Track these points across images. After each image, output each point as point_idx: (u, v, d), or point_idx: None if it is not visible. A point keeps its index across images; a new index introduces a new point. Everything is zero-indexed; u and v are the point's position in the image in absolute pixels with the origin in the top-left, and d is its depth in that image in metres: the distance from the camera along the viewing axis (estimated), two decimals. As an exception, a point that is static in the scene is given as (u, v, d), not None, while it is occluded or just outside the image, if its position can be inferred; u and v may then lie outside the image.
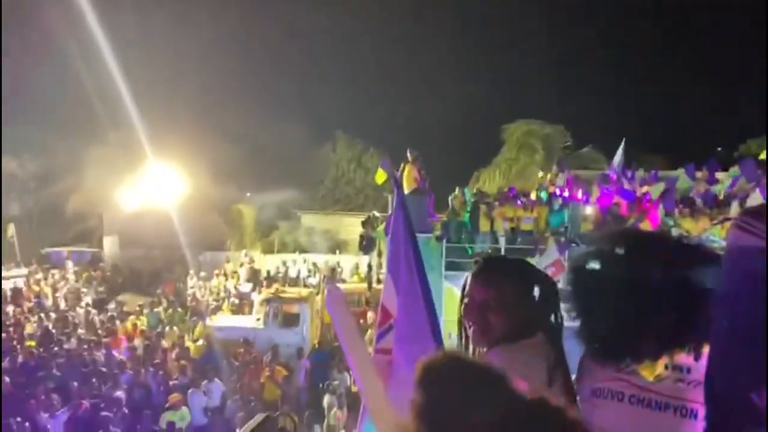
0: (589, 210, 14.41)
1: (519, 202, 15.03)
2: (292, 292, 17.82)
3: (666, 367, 1.64)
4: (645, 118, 33.06)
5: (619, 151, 16.70)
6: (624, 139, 16.39)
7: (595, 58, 34.59)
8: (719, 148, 30.20)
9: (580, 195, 15.27)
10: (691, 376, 1.62)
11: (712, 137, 29.14)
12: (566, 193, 15.44)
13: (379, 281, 18.52)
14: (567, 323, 1.91)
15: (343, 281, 22.86)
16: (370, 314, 15.92)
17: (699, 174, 14.56)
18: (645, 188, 14.49)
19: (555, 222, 14.18)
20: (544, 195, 15.72)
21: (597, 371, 1.73)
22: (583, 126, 28.33)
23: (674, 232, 12.65)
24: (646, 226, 12.64)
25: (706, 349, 1.60)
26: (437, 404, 0.92)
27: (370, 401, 1.95)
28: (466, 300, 2.04)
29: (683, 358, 1.63)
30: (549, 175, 17.93)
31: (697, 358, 1.60)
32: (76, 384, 11.49)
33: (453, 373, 0.96)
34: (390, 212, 14.04)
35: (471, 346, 2.02)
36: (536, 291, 1.95)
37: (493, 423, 0.88)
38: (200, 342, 15.45)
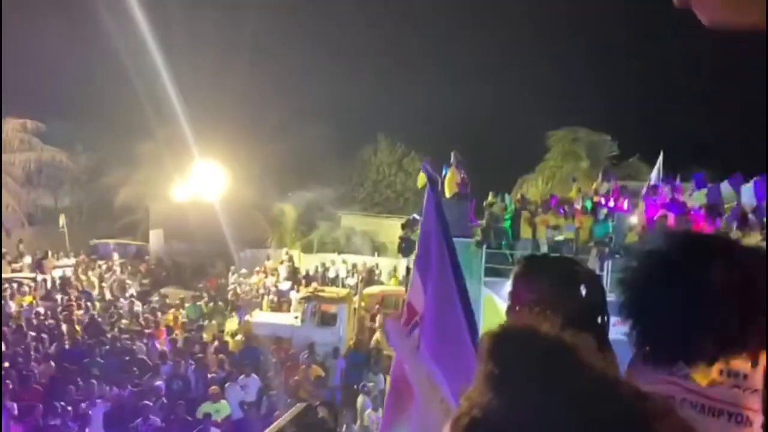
0: (635, 221, 14.12)
1: (561, 210, 14.82)
2: (330, 291, 17.94)
3: (721, 372, 1.59)
4: (696, 131, 32.20)
5: (658, 165, 16.30)
6: (661, 151, 15.99)
7: (645, 67, 33.90)
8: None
9: (626, 206, 14.98)
10: (747, 383, 1.57)
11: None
12: (611, 203, 15.15)
13: (417, 284, 18.46)
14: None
15: (381, 283, 22.90)
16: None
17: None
18: (693, 200, 14.12)
19: (599, 232, 13.93)
20: (588, 204, 15.47)
21: (648, 374, 1.69)
22: (630, 136, 27.76)
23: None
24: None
25: (764, 356, 1.55)
26: (515, 373, 0.85)
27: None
28: (509, 301, 2.02)
29: (740, 363, 1.58)
30: (594, 185, 17.61)
31: (754, 364, 1.55)
32: (118, 373, 11.80)
33: (533, 342, 0.88)
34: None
35: None
36: (583, 290, 1.92)
37: (577, 403, 0.80)
38: (239, 337, 15.68)
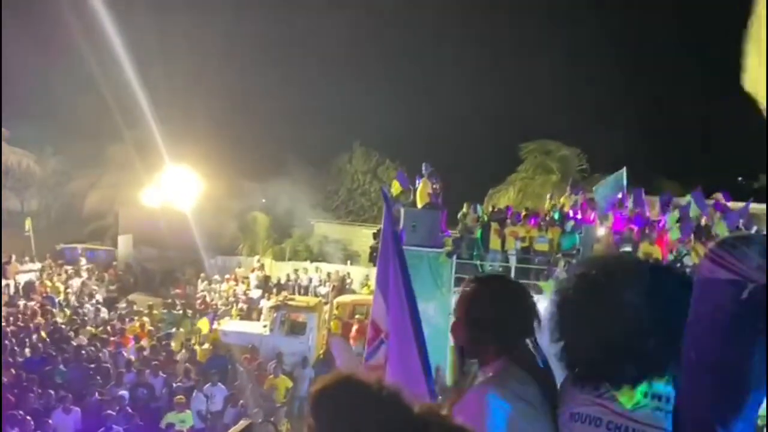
0: (601, 233, 14.34)
1: (533, 220, 14.98)
2: (300, 300, 17.87)
3: (645, 395, 1.64)
4: (664, 145, 32.88)
5: (621, 179, 16.46)
6: (624, 167, 16.27)
7: (615, 80, 34.50)
8: (740, 178, 29.94)
9: (593, 218, 15.21)
10: (669, 405, 1.62)
11: (734, 167, 28.89)
12: (579, 216, 15.38)
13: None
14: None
15: (354, 292, 22.86)
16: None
17: (709, 202, 14.52)
18: (656, 214, 14.41)
19: (567, 244, 14.14)
20: (556, 215, 15.66)
21: (576, 395, 1.74)
22: (601, 151, 28.20)
23: (687, 259, 12.58)
24: (656, 251, 12.57)
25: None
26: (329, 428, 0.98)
27: None
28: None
29: (662, 387, 1.63)
30: (563, 197, 17.84)
31: (676, 387, 1.60)
32: (81, 381, 11.59)
33: (342, 397, 1.03)
34: (401, 225, 14.07)
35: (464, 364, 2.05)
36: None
37: None
38: (206, 346, 15.52)
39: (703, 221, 14.04)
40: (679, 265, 12.10)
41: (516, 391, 1.81)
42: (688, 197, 14.91)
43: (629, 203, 15.13)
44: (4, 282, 20.03)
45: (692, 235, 13.01)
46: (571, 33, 36.51)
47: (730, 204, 14.72)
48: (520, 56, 36.69)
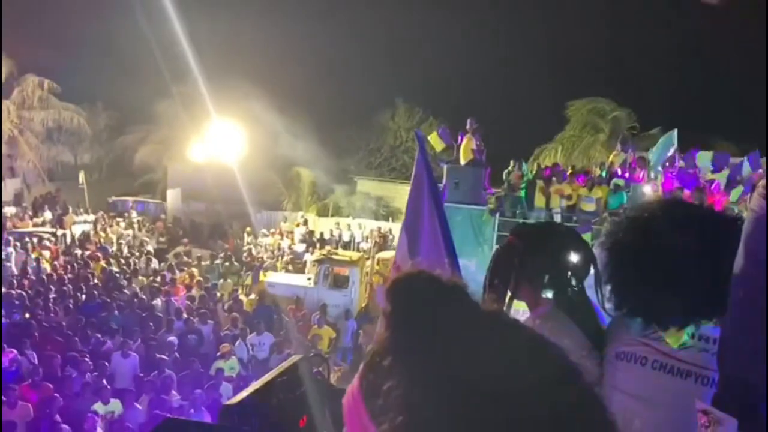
0: (651, 192, 14.01)
1: (580, 179, 14.71)
2: (343, 254, 18.11)
3: (692, 336, 1.65)
4: (721, 104, 31.57)
5: (672, 139, 15.96)
6: (676, 129, 15.71)
7: (666, 39, 33.10)
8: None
9: (642, 177, 14.85)
10: (715, 347, 1.63)
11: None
12: (627, 174, 15.03)
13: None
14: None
15: (395, 248, 23.03)
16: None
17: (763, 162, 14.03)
18: (709, 175, 13.97)
19: (614, 203, 13.86)
20: (604, 173, 15.35)
21: (623, 335, 1.76)
22: (651, 108, 27.29)
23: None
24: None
25: (734, 322, 1.60)
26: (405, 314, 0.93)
27: None
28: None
29: (710, 329, 1.64)
30: (611, 155, 17.42)
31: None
32: (134, 327, 12.11)
33: (421, 285, 0.97)
34: (444, 182, 14.02)
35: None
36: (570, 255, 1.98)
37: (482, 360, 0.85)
38: (252, 296, 15.95)
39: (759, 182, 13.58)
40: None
41: (557, 332, 1.84)
42: (743, 158, 14.43)
43: (679, 163, 14.71)
44: (60, 232, 20.89)
45: (739, 187, 12.65)
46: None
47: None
48: (566, 10, 35.46)
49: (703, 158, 14.85)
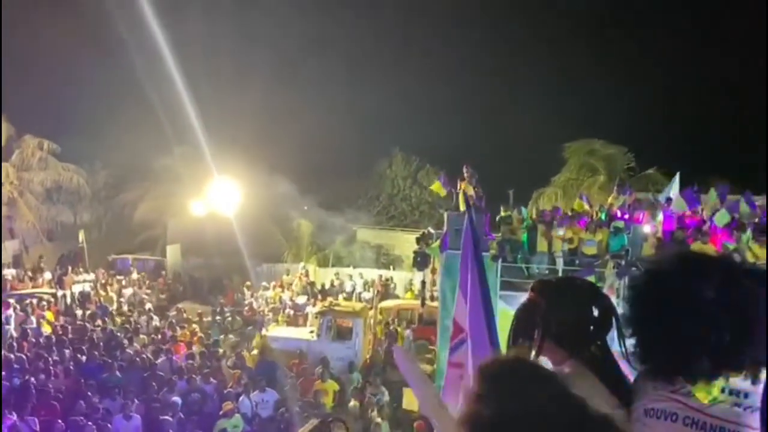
0: (650, 233, 14.02)
1: (582, 222, 14.74)
2: (346, 305, 17.97)
3: (722, 390, 1.62)
4: (715, 142, 31.92)
5: (675, 183, 16.26)
6: (678, 173, 16.02)
7: (662, 80, 33.76)
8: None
9: (641, 218, 14.89)
10: (748, 401, 1.59)
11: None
12: (627, 216, 15.08)
13: (432, 298, 18.44)
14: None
15: (397, 297, 22.89)
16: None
17: (759, 201, 14.13)
18: (716, 220, 13.99)
19: (615, 245, 13.85)
20: (603, 216, 15.39)
21: (650, 391, 1.72)
22: (647, 147, 27.59)
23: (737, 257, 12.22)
24: (709, 249, 12.23)
25: (764, 375, 1.57)
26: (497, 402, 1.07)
27: None
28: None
29: (740, 382, 1.60)
30: (610, 197, 17.52)
31: (754, 382, 1.57)
32: (136, 387, 11.90)
33: (515, 373, 1.14)
34: (444, 229, 14.02)
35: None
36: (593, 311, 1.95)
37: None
38: (255, 352, 15.74)
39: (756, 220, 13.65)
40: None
41: (585, 390, 1.81)
42: (738, 196, 14.57)
43: (676, 203, 14.82)
44: (60, 292, 20.76)
45: (749, 232, 12.63)
46: (614, 28, 35.88)
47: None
48: (561, 54, 36.24)
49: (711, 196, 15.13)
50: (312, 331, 16.71)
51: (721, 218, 13.44)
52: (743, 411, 1.60)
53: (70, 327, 16.85)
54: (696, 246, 12.52)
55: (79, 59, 29.56)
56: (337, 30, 37.26)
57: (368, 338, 16.97)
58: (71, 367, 13.22)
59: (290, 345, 15.73)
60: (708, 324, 1.56)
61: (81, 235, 27.04)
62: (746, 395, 1.60)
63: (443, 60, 38.84)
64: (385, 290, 23.32)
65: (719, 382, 1.61)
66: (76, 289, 21.62)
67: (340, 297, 21.88)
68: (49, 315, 17.93)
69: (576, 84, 34.84)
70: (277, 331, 17.53)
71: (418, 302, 19.54)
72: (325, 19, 36.32)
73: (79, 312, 18.83)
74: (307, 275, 24.81)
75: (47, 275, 22.70)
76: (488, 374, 1.14)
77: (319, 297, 21.82)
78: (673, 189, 16.46)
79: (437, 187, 15.41)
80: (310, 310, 19.75)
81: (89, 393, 11.40)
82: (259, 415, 11.51)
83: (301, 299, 21.84)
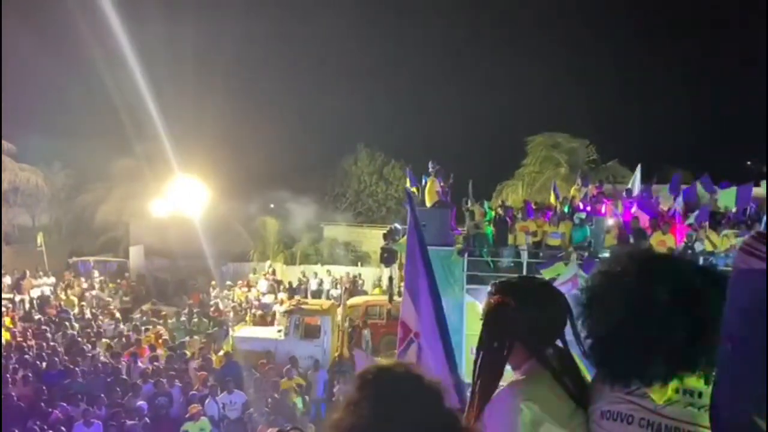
0: (612, 224, 14.26)
1: (547, 215, 14.90)
2: (313, 303, 17.87)
3: (677, 390, 1.62)
4: (673, 131, 32.66)
5: (636, 176, 16.65)
6: (639, 165, 16.41)
7: (622, 69, 34.39)
8: (749, 162, 29.69)
9: (603, 210, 15.13)
10: (702, 401, 1.60)
11: (744, 150, 28.66)
12: (589, 207, 15.30)
13: (399, 294, 18.45)
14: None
15: (365, 293, 22.88)
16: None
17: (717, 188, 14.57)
18: (668, 204, 14.37)
19: (578, 237, 14.05)
20: (566, 209, 15.59)
21: (606, 393, 1.72)
22: (608, 139, 28.10)
23: (698, 246, 12.51)
24: (669, 239, 12.50)
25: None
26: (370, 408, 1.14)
27: None
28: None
29: (694, 382, 1.61)
30: (572, 189, 17.76)
31: (707, 382, 1.58)
32: (99, 393, 11.63)
33: (389, 380, 1.20)
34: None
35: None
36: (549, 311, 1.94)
37: None
38: (221, 353, 15.54)
39: (713, 207, 14.04)
40: (690, 252, 12.06)
41: (544, 393, 1.81)
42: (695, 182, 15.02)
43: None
44: (18, 297, 20.19)
45: (706, 223, 12.94)
46: (577, 27, 36.40)
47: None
48: (524, 47, 36.59)
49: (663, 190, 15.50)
50: (280, 330, 16.58)
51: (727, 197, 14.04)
52: (698, 411, 1.61)
53: (28, 332, 16.39)
54: (657, 236, 12.79)
55: (36, 58, 28.77)
56: (299, 28, 37.02)
57: (337, 336, 16.91)
58: (29, 375, 12.85)
59: (258, 345, 15.58)
60: (661, 325, 1.56)
61: (39, 238, 26.30)
62: (700, 395, 1.61)
63: (405, 56, 38.91)
64: (353, 287, 23.27)
65: (674, 383, 1.62)
66: (35, 293, 21.05)
67: (308, 296, 21.77)
68: (7, 321, 17.41)
69: (538, 77, 35.24)
70: (244, 331, 17.35)
71: (386, 298, 19.57)
72: (287, 16, 36.03)
73: (38, 317, 18.32)
74: (273, 274, 24.60)
75: (6, 280, 22.05)
76: (360, 382, 1.18)
77: (287, 296, 21.66)
78: (634, 181, 16.80)
79: (415, 189, 15.48)
80: (278, 309, 19.59)
81: (51, 400, 11.12)
82: (227, 417, 11.37)
83: (269, 298, 21.65)
